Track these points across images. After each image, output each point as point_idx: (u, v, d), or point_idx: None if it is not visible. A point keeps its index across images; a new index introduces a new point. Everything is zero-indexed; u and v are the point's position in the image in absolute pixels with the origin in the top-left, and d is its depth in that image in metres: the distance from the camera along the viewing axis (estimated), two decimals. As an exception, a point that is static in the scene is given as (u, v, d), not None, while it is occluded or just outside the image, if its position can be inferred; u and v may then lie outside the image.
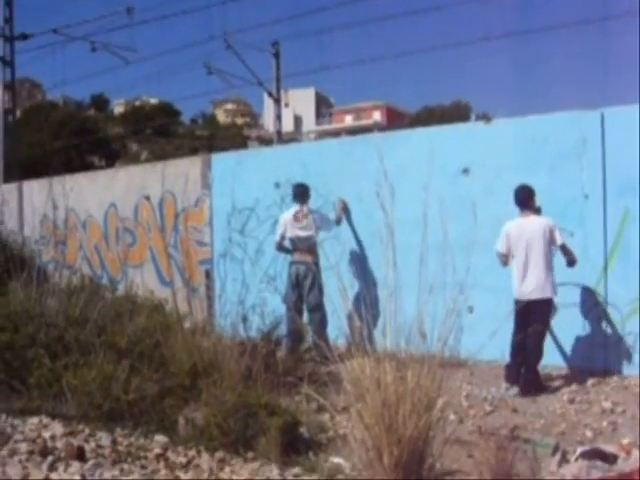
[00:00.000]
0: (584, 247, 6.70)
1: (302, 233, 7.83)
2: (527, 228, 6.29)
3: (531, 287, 6.20)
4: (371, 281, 7.84)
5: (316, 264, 7.80)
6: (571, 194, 6.84)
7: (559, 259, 6.38)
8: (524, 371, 6.27)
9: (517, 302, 6.30)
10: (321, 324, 7.75)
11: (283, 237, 8.02)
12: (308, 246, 7.83)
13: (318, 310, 7.78)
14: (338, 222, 8.17)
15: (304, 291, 7.82)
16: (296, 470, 4.31)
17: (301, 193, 8.00)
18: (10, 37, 18.56)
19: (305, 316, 7.95)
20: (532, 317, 6.20)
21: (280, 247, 8.16)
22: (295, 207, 7.98)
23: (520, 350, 6.26)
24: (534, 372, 6.27)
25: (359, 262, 8.19)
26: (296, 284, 7.85)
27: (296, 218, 7.88)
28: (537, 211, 6.45)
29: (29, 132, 36.68)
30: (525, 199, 6.41)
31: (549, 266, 6.24)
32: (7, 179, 16.49)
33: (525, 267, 6.24)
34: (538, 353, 6.26)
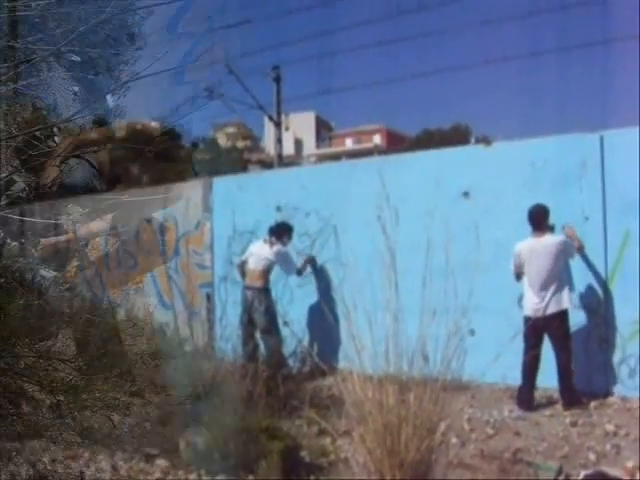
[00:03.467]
0: (584, 269, 6.71)
1: (263, 253, 8.09)
2: (542, 247, 6.35)
3: (550, 301, 6.28)
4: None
5: (266, 290, 8.05)
6: (571, 216, 6.84)
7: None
8: (566, 389, 6.33)
9: (529, 319, 6.32)
10: (273, 346, 7.81)
11: (246, 259, 8.28)
12: (262, 268, 8.04)
13: (268, 333, 7.88)
14: (299, 273, 8.34)
15: (253, 315, 7.96)
16: (297, 494, 4.29)
17: (280, 231, 8.26)
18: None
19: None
20: (554, 332, 6.31)
21: (240, 267, 8.45)
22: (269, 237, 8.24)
23: (535, 369, 6.36)
24: (573, 386, 6.38)
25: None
26: (246, 308, 8.02)
27: (265, 241, 8.21)
28: (550, 229, 6.52)
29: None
30: (540, 219, 6.47)
31: (566, 281, 6.39)
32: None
33: (542, 284, 6.29)
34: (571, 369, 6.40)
